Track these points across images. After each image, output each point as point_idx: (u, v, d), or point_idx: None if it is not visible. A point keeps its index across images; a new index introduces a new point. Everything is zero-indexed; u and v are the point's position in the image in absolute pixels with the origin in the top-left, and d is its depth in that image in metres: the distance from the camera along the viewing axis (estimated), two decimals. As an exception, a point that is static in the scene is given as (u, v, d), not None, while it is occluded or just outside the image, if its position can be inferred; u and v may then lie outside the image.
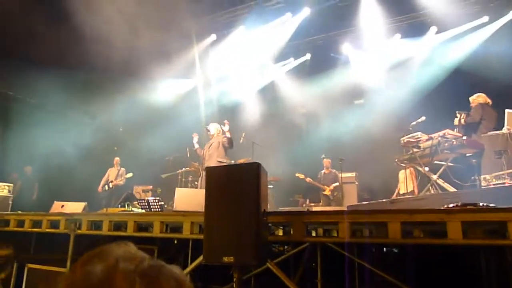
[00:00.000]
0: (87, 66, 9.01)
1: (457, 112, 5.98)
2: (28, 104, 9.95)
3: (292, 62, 11.39)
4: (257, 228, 2.77)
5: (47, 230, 5.03)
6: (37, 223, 5.16)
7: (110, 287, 0.53)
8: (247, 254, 2.78)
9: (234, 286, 3.12)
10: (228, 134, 6.64)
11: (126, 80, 9.92)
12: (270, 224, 3.47)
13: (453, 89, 7.73)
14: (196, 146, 7.04)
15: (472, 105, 5.99)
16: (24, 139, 9.04)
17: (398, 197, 6.12)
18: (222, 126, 6.79)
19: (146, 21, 8.42)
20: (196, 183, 7.78)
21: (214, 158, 6.40)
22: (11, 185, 8.63)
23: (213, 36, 11.35)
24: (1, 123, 9.54)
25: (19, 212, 5.99)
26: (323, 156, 8.93)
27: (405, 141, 5.97)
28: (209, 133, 6.90)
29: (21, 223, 5.28)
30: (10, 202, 8.49)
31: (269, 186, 7.24)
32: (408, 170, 6.58)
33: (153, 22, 8.45)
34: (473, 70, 7.68)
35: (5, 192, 8.34)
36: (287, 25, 10.65)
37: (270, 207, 3.60)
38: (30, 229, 5.17)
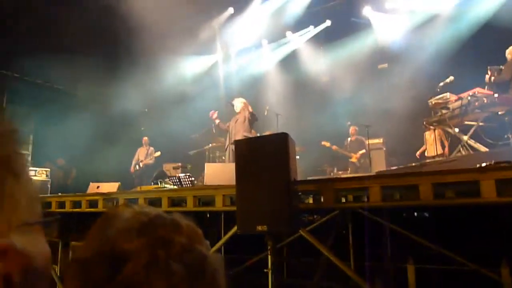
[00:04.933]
0: (110, 50, 9.14)
1: (488, 67, 5.73)
2: (56, 90, 10.23)
3: (312, 30, 11.13)
4: (288, 196, 2.83)
5: (87, 209, 5.28)
6: (77, 204, 5.42)
7: (115, 246, 0.59)
8: (280, 222, 2.85)
9: (269, 253, 3.21)
10: (250, 109, 6.66)
11: (148, 60, 10.01)
12: (300, 193, 3.52)
13: (484, 45, 7.40)
14: (217, 121, 7.05)
15: (508, 57, 5.71)
16: (55, 126, 9.36)
17: (428, 160, 6.03)
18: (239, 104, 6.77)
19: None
20: (223, 157, 7.89)
21: (241, 133, 6.43)
22: (49, 169, 9.04)
23: (231, 10, 11.20)
24: (33, 111, 9.87)
25: (60, 194, 6.29)
26: (349, 123, 8.84)
27: (433, 103, 5.81)
28: (234, 107, 6.91)
29: (62, 205, 5.55)
30: (49, 186, 8.92)
31: (296, 157, 7.27)
32: (436, 132, 6.45)
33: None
34: (506, 23, 7.28)
35: (43, 177, 8.76)
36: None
37: (298, 177, 3.64)
38: (71, 210, 5.44)
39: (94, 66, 8.87)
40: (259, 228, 2.87)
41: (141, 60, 10.02)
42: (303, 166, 8.49)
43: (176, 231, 0.64)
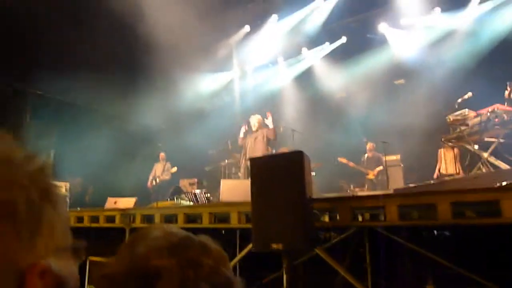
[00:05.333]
0: (129, 67, 9.37)
1: (508, 83, 5.64)
2: (76, 107, 10.51)
3: (328, 47, 11.19)
4: (303, 214, 2.82)
5: (104, 225, 5.35)
6: (95, 219, 5.51)
7: (147, 263, 0.63)
8: (295, 240, 2.84)
9: (284, 272, 3.19)
10: (271, 126, 6.67)
11: (166, 77, 10.21)
12: (315, 211, 3.50)
13: (502, 60, 7.30)
14: (241, 135, 7.12)
15: None
16: (76, 142, 9.57)
17: (447, 178, 5.92)
18: (265, 118, 6.81)
19: (181, 17, 8.60)
20: (239, 174, 7.91)
21: (259, 151, 6.44)
22: (68, 184, 9.20)
23: (247, 27, 11.39)
24: (54, 127, 10.14)
25: (79, 209, 6.40)
26: (366, 139, 8.77)
27: (451, 119, 5.74)
28: (250, 126, 6.95)
29: (80, 219, 5.65)
30: (68, 200, 9.06)
31: (312, 173, 7.23)
32: (453, 149, 6.35)
33: (188, 17, 8.62)
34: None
35: (63, 191, 8.92)
36: (320, 9, 10.50)
37: (314, 194, 3.62)
38: (89, 225, 5.52)
39: (113, 83, 9.10)
40: (275, 246, 2.86)
41: (159, 77, 10.23)
42: (319, 182, 8.43)
43: (204, 253, 0.67)
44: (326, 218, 3.87)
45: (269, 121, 6.72)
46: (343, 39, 10.92)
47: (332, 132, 9.61)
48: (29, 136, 9.15)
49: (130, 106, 10.45)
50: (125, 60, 9.43)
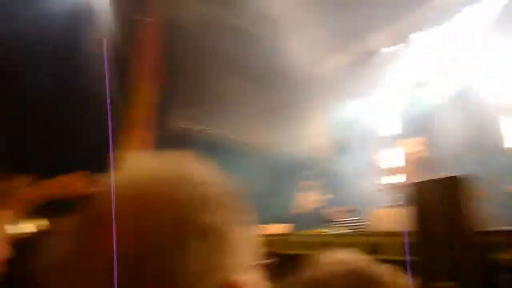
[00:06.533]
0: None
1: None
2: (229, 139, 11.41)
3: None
4: (475, 249, 2.37)
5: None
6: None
7: None
8: (468, 279, 2.39)
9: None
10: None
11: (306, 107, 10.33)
12: (493, 246, 2.93)
13: None
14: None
15: None
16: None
17: None
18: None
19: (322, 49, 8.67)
20: (392, 201, 7.38)
21: (414, 177, 5.94)
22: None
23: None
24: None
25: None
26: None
27: None
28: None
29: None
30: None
31: (481, 202, 6.24)
32: None
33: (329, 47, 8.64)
34: None
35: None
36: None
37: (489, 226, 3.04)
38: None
39: (262, 115, 9.59)
40: (442, 284, 2.46)
41: (299, 108, 10.40)
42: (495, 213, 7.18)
43: None
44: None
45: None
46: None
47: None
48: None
49: (276, 136, 10.87)
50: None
